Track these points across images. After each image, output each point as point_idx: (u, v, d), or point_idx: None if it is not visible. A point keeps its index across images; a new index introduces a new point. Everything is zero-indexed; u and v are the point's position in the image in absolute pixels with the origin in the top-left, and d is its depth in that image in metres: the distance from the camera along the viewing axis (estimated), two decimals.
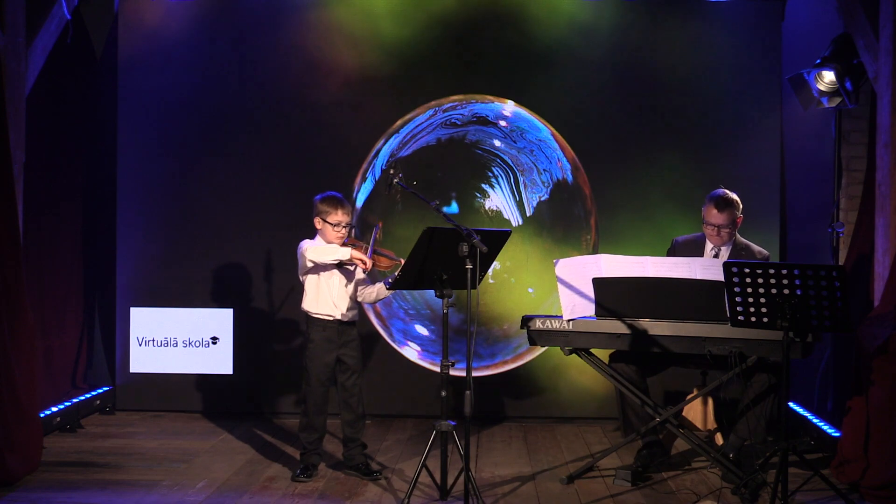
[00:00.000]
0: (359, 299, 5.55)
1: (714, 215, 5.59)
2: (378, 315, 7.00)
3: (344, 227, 5.36)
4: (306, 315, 5.47)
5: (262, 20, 7.08)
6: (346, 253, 5.24)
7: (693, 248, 5.74)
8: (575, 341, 5.37)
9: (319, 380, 5.43)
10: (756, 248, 5.69)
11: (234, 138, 7.10)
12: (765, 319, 4.74)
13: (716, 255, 5.67)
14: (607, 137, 7.04)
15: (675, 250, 5.83)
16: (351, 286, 5.44)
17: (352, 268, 5.42)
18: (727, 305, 4.86)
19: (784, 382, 4.75)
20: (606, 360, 5.58)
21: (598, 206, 7.00)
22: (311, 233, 5.46)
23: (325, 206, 5.37)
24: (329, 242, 5.38)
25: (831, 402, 6.36)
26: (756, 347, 5.08)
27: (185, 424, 6.79)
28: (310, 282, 5.43)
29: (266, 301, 7.08)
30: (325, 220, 5.36)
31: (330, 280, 5.41)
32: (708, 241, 5.71)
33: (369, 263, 5.26)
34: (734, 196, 5.62)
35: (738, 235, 5.70)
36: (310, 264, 5.32)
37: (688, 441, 5.45)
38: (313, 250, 5.28)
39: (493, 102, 7.05)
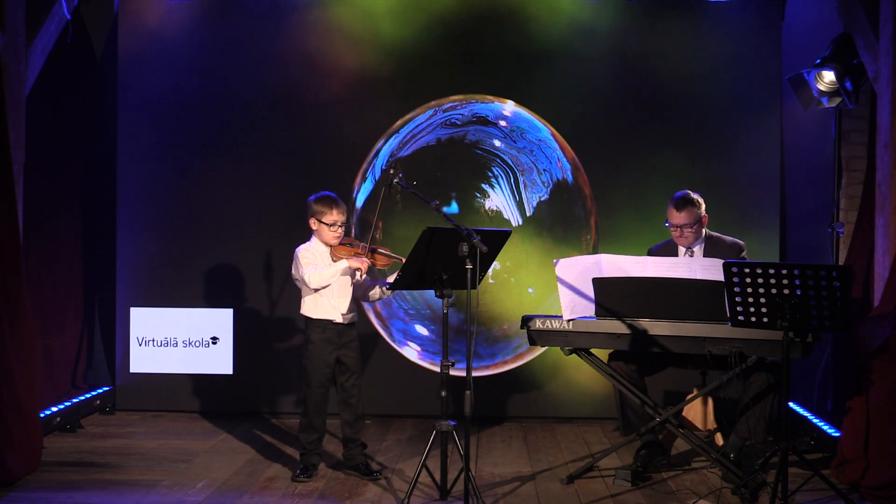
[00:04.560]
0: (361, 300, 5.53)
1: (674, 215, 5.66)
2: (378, 315, 7.00)
3: (340, 226, 5.33)
4: (305, 319, 5.46)
5: (262, 20, 7.08)
6: (343, 267, 5.24)
7: (668, 253, 5.79)
8: (575, 341, 5.37)
9: (319, 381, 5.42)
10: (728, 239, 5.76)
11: (233, 138, 7.10)
12: (765, 319, 4.74)
13: (690, 254, 5.71)
14: (607, 137, 7.03)
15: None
16: (349, 288, 5.43)
17: (357, 276, 5.41)
18: (727, 305, 4.86)
19: (784, 382, 4.75)
20: (606, 360, 5.59)
21: (598, 206, 7.00)
22: (310, 232, 5.42)
23: (319, 207, 5.33)
24: (325, 243, 5.36)
25: (831, 402, 6.36)
26: (756, 347, 5.08)
27: (185, 424, 6.79)
28: (307, 288, 5.40)
29: (266, 301, 7.08)
30: (320, 221, 5.33)
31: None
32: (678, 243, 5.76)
33: (365, 266, 5.26)
34: (696, 196, 5.68)
35: (707, 230, 5.75)
36: (314, 287, 5.27)
37: (688, 441, 5.45)
38: (313, 277, 5.24)
39: (493, 102, 7.05)
